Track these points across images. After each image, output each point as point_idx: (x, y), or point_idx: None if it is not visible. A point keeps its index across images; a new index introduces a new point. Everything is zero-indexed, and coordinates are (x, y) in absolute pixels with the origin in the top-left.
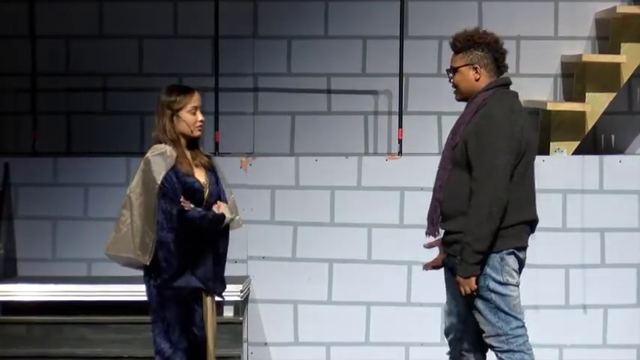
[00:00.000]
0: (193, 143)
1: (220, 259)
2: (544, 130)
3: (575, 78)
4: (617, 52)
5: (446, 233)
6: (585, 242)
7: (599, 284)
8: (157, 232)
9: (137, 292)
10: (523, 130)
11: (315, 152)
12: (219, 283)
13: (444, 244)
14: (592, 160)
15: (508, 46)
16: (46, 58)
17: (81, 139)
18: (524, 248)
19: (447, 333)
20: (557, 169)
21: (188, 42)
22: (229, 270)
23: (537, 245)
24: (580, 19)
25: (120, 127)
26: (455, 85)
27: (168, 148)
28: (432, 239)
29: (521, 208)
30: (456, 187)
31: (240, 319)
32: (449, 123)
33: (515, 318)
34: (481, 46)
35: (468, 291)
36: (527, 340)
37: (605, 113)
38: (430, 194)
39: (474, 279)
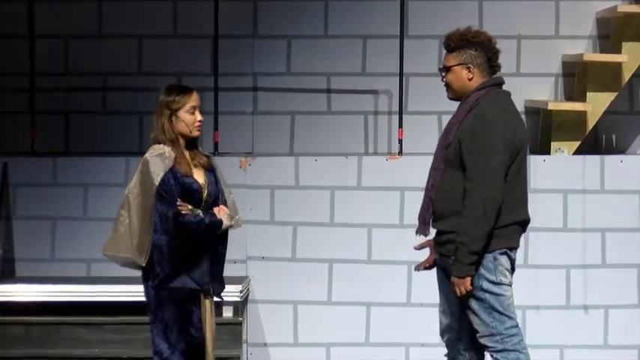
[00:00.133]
0: (192, 143)
1: (220, 260)
2: (545, 129)
3: (576, 77)
4: (618, 51)
5: (439, 233)
6: (586, 242)
7: (600, 284)
8: (152, 234)
9: (136, 293)
10: (517, 130)
11: (315, 152)
12: (218, 283)
13: (437, 244)
14: (593, 160)
15: (508, 45)
16: (45, 58)
17: (80, 139)
18: (515, 248)
19: (442, 334)
20: (558, 169)
21: (188, 41)
22: (228, 270)
23: (538, 245)
24: (581, 18)
25: (119, 127)
26: (447, 84)
27: (166, 149)
28: (422, 238)
29: (514, 209)
30: (449, 187)
31: (240, 319)
32: None
33: (509, 318)
34: (474, 45)
35: (463, 291)
36: (522, 340)
37: (606, 113)
38: None
39: (469, 279)
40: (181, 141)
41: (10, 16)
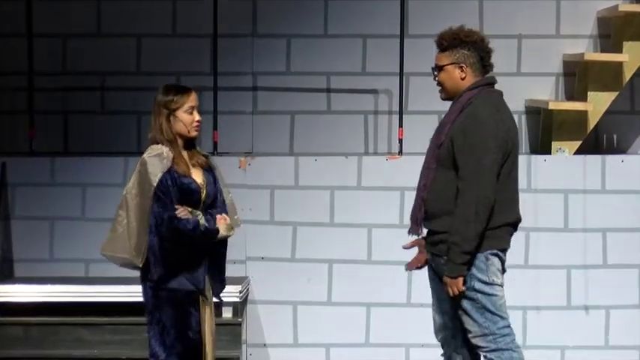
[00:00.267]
0: (190, 143)
1: (220, 260)
2: (546, 129)
3: (577, 77)
4: (619, 50)
5: (430, 233)
6: (587, 243)
7: (601, 285)
8: (148, 235)
9: (135, 293)
10: (509, 130)
11: (314, 152)
12: (218, 283)
13: (429, 244)
14: (594, 159)
15: (509, 44)
16: (43, 57)
17: (79, 139)
18: (506, 249)
19: (437, 333)
20: (558, 169)
21: (187, 41)
22: (228, 271)
23: (539, 245)
24: (582, 17)
25: (118, 127)
26: (440, 84)
27: (165, 149)
28: (414, 238)
29: (506, 210)
30: (441, 187)
31: (239, 320)
32: None
33: (502, 318)
34: (467, 45)
35: (456, 291)
36: (515, 339)
37: (607, 112)
38: None
39: (461, 279)
40: (179, 141)
41: (8, 14)
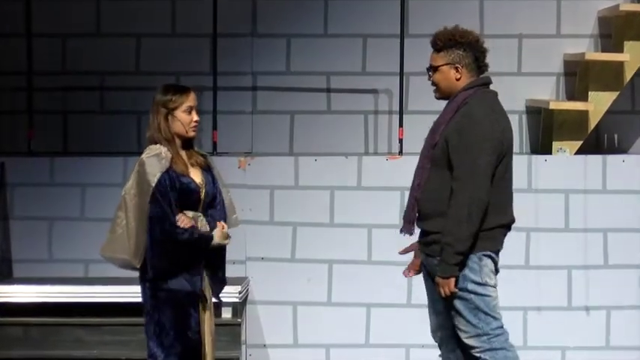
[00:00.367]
0: (188, 143)
1: (219, 260)
2: (546, 129)
3: (578, 77)
4: (620, 50)
5: (424, 233)
6: (588, 243)
7: (601, 285)
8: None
9: (134, 294)
10: (504, 130)
11: (314, 152)
12: (218, 284)
13: (423, 244)
14: (595, 159)
15: (510, 44)
16: (43, 57)
17: (78, 139)
18: (499, 251)
19: (433, 333)
20: (559, 169)
21: (186, 40)
22: (228, 271)
23: (539, 246)
24: (583, 17)
25: (117, 127)
26: (435, 84)
27: (163, 149)
28: (407, 237)
29: (500, 211)
30: (436, 187)
31: (239, 320)
32: None
33: (495, 318)
34: (463, 45)
35: (447, 292)
36: (508, 338)
37: (608, 112)
38: None
39: (453, 280)
40: (177, 141)
41: (8, 14)
